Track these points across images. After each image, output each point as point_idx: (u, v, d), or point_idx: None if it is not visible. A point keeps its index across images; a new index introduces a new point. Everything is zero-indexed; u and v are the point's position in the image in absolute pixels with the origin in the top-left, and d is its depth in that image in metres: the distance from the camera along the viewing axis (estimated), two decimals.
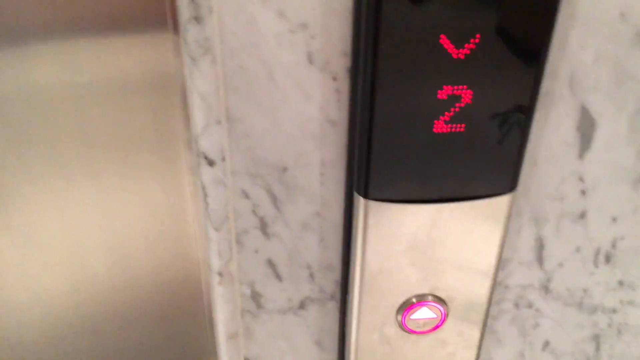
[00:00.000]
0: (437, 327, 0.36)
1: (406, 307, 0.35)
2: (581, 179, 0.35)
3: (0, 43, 0.31)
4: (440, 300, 0.35)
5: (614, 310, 0.42)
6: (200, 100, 0.30)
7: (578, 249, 0.38)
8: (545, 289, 0.40)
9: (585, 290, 0.40)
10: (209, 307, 0.39)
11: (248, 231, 0.34)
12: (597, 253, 0.39)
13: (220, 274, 0.36)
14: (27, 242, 0.38)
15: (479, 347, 0.38)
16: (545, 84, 0.31)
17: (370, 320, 0.35)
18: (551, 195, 0.36)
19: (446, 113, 0.28)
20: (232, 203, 0.33)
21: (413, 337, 0.36)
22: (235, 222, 0.34)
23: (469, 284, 0.34)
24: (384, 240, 0.32)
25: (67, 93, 0.33)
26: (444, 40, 0.26)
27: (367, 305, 0.35)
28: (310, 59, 0.29)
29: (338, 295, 0.37)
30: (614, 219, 0.37)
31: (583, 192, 0.36)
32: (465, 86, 0.27)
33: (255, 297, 0.37)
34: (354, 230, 0.32)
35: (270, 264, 0.35)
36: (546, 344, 0.43)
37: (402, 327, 0.35)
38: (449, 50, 0.26)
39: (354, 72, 0.29)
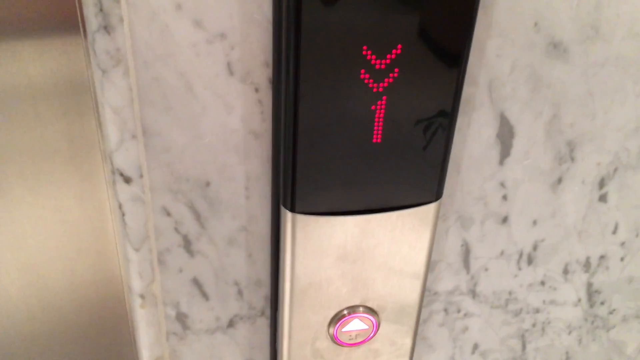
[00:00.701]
0: (369, 337, 0.35)
1: (338, 319, 0.34)
2: (502, 185, 0.36)
3: None
4: (371, 310, 0.35)
5: (538, 310, 0.43)
6: (113, 114, 0.28)
7: (502, 252, 0.39)
8: (472, 292, 0.41)
9: (510, 292, 0.42)
10: (134, 328, 0.37)
11: (171, 250, 0.32)
12: (520, 255, 0.40)
13: (142, 296, 0.34)
14: None
15: (412, 355, 0.38)
16: (466, 94, 0.32)
17: (302, 335, 0.34)
18: (475, 201, 0.36)
19: (370, 124, 0.28)
20: (152, 221, 0.31)
21: (346, 349, 0.36)
22: (157, 240, 0.32)
23: (399, 292, 0.34)
24: (312, 253, 0.31)
25: None
26: (366, 51, 0.26)
27: (298, 320, 0.34)
28: (230, 70, 0.28)
29: (268, 311, 0.36)
30: (535, 222, 0.39)
31: (505, 197, 0.37)
32: (387, 96, 0.27)
33: (181, 318, 0.35)
34: (281, 244, 0.31)
35: (196, 282, 0.34)
36: (475, 347, 0.44)
37: (334, 340, 0.35)
38: (372, 61, 0.26)
39: (276, 83, 0.28)
